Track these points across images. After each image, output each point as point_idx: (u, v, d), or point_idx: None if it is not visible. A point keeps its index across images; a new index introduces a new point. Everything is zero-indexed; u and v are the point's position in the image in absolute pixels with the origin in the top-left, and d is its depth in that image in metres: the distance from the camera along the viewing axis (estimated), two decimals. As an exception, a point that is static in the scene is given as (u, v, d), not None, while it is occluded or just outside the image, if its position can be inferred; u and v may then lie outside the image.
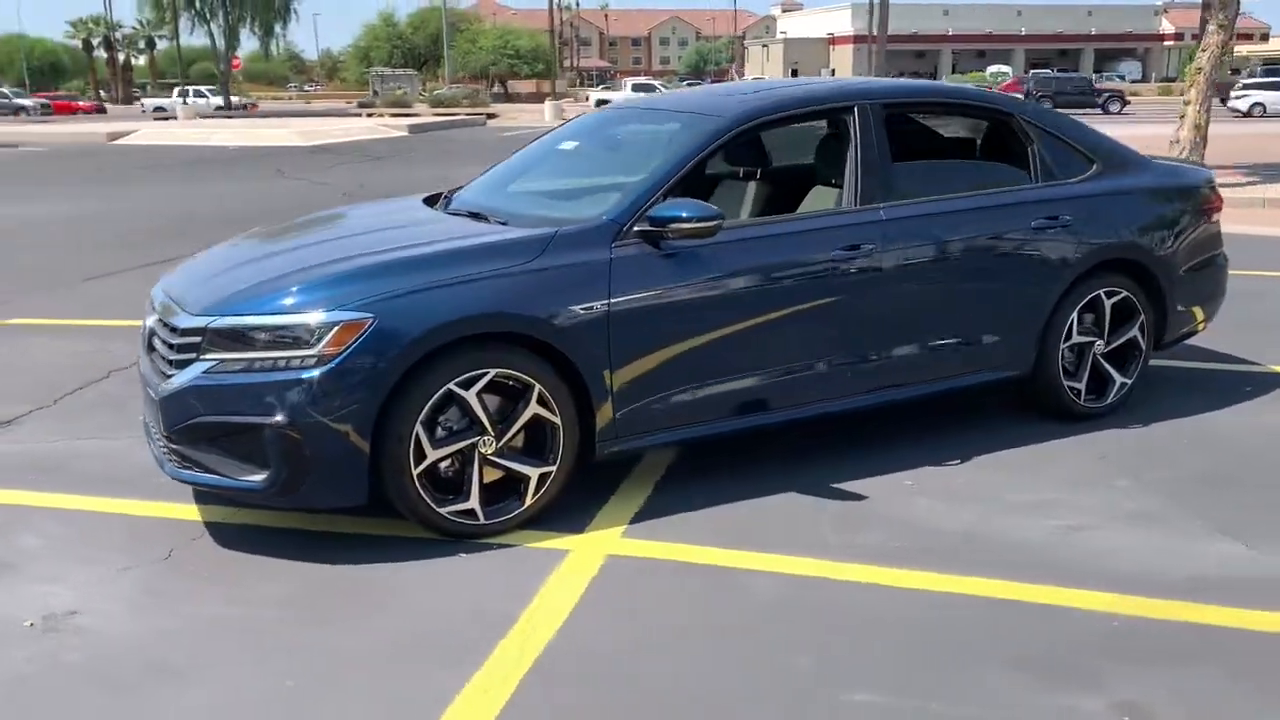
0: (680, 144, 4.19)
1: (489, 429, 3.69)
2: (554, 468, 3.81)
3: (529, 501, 3.80)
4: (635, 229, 3.89)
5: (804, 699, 2.81)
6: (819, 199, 4.57)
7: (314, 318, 3.48)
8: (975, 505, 4.05)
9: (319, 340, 3.46)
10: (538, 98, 72.49)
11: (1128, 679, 2.88)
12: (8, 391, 5.60)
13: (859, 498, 4.13)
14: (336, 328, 3.46)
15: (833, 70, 53.40)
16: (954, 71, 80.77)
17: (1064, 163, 4.85)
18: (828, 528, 3.86)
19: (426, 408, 3.56)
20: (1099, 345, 4.92)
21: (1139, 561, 3.58)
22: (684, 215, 3.84)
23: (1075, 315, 4.80)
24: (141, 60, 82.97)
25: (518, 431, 3.76)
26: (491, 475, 3.77)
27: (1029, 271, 4.65)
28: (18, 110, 53.42)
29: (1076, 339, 4.86)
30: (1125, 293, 4.91)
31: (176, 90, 55.40)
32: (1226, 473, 4.38)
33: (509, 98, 70.86)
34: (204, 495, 4.06)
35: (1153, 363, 5.25)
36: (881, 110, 4.48)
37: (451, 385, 3.58)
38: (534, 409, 3.74)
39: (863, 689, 2.84)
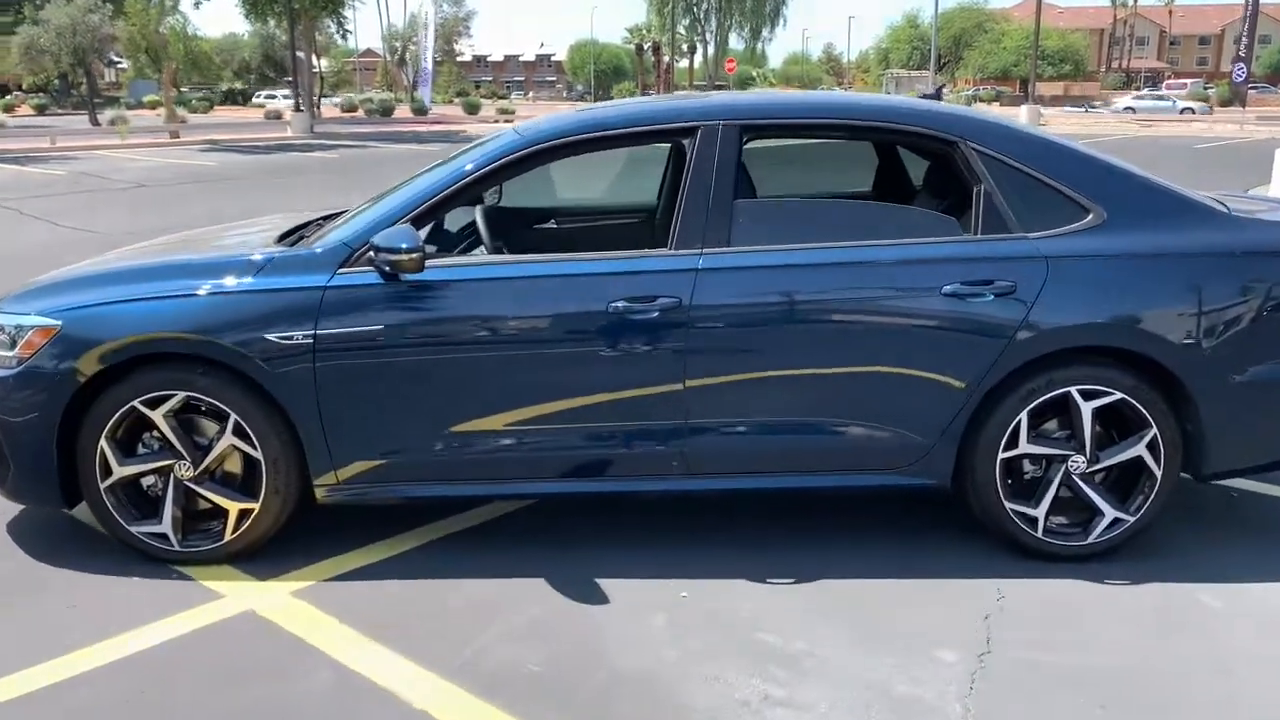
0: (458, 165, 3.68)
1: (184, 454, 3.55)
2: (256, 505, 3.57)
3: (229, 536, 3.60)
4: (366, 255, 3.50)
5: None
6: (643, 238, 3.80)
7: (14, 320, 3.57)
8: (707, 639, 3.14)
9: (16, 343, 3.54)
10: (1063, 101, 67.79)
11: None
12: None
13: (600, 601, 3.38)
14: (30, 332, 3.51)
15: None
16: None
17: (1034, 208, 3.54)
18: (495, 636, 3.19)
19: (111, 422, 3.50)
20: (1077, 462, 3.55)
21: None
22: (402, 246, 3.38)
23: (1025, 416, 3.51)
24: (683, 64, 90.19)
25: (217, 461, 3.58)
26: (205, 502, 3.64)
27: (933, 349, 3.47)
28: None
29: (1028, 449, 3.55)
30: (1120, 394, 3.49)
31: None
32: (1125, 671, 2.96)
33: (1030, 99, 66.94)
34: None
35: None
36: (735, 134, 3.59)
37: (136, 403, 3.49)
38: (230, 440, 3.54)
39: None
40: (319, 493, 3.61)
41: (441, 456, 3.57)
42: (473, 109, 51.80)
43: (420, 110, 49.81)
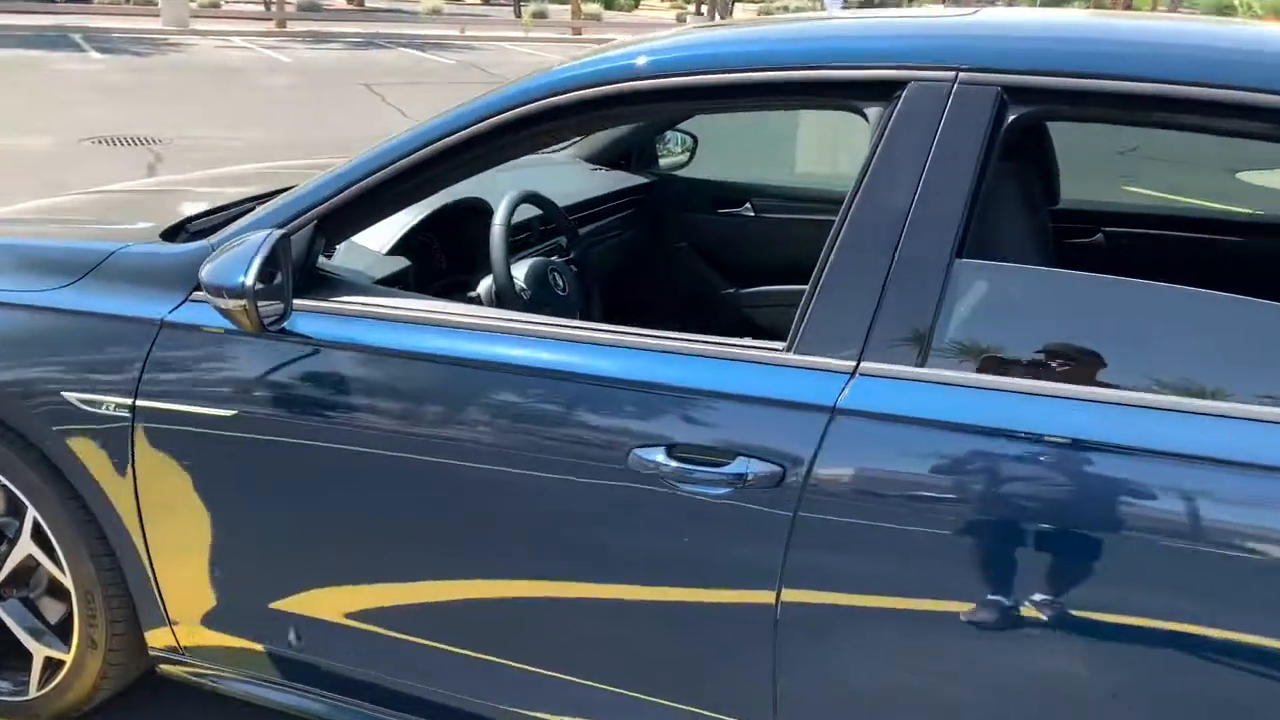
0: (414, 132, 1.90)
1: (-24, 551, 2.20)
2: (67, 656, 2.15)
3: (33, 692, 2.21)
4: (238, 276, 1.88)
5: None
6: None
7: None
8: None
9: None
10: None
11: None
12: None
13: None
14: None
15: None
16: None
17: None
18: None
19: (-123, 490, 2.20)
20: None
21: None
22: (235, 282, 1.72)
23: None
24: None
25: (23, 572, 2.18)
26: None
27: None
28: None
29: None
30: None
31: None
32: None
33: None
34: None
35: None
36: (986, 102, 1.52)
37: (-92, 466, 2.16)
38: (28, 546, 2.12)
39: None
40: (155, 657, 2.13)
41: (318, 643, 1.95)
42: (890, 24, 48.51)
43: (832, 22, 47.31)
